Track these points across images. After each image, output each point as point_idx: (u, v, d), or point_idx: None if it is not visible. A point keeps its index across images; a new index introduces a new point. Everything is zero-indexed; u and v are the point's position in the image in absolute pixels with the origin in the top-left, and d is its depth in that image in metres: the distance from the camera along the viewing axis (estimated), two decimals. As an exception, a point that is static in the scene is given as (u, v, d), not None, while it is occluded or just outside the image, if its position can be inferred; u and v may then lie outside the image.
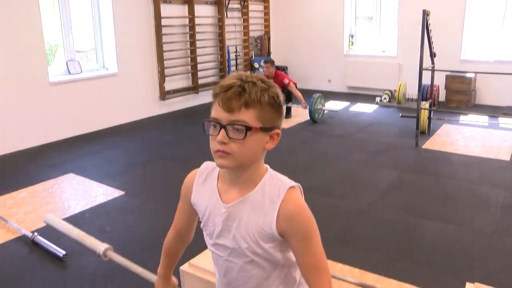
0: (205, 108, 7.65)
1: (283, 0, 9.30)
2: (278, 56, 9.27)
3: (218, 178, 1.21)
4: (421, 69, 5.30)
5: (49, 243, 3.04)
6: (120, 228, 3.41)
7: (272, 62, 6.74)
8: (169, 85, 7.17)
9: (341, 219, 3.52)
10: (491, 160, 4.84)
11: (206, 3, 7.72)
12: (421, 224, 3.41)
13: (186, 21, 7.38)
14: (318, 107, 6.59)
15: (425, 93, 7.00)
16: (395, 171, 4.54)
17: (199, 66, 7.67)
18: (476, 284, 2.35)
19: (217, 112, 1.08)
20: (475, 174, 4.46)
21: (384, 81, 8.30)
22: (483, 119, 6.52)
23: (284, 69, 9.10)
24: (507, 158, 4.87)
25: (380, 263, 2.85)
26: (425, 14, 5.18)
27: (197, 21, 7.47)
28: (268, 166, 1.18)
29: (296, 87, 6.72)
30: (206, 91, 7.71)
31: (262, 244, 1.13)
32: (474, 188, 4.10)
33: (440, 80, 7.20)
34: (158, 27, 6.84)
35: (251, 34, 8.89)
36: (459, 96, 7.46)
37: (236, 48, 8.44)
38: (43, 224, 3.39)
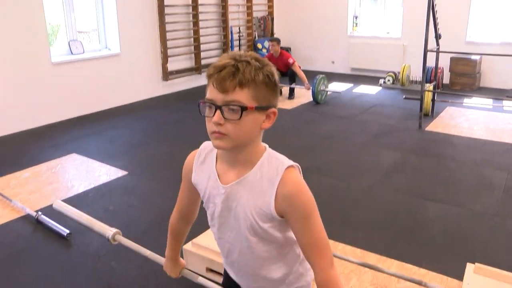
0: (208, 89, 7.63)
1: (287, -20, 9.19)
2: (281, 37, 9.11)
3: (216, 159, 1.20)
4: (426, 50, 5.25)
5: (53, 222, 3.06)
6: (123, 207, 3.43)
7: (278, 41, 6.72)
8: (172, 66, 7.14)
9: (344, 200, 3.53)
10: (494, 143, 4.82)
11: (209, -18, 7.64)
12: (423, 206, 3.42)
13: (189, 0, 7.30)
14: (321, 88, 6.55)
15: (429, 75, 6.94)
16: (398, 153, 4.54)
17: (202, 47, 7.62)
18: (477, 264, 2.37)
19: (211, 93, 1.07)
20: (478, 156, 4.45)
21: (388, 63, 8.23)
22: (487, 102, 6.48)
23: (287, 50, 9.02)
24: (511, 141, 4.85)
25: (382, 244, 2.87)
26: (431, -6, 5.10)
27: (200, 1, 7.39)
28: (266, 145, 1.17)
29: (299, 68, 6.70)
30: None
31: (261, 224, 1.14)
32: (477, 170, 4.10)
33: (444, 62, 7.14)
34: (161, 7, 6.78)
35: (255, 14, 8.81)
36: (463, 79, 7.40)
37: (239, 28, 8.37)
38: (46, 204, 3.43)
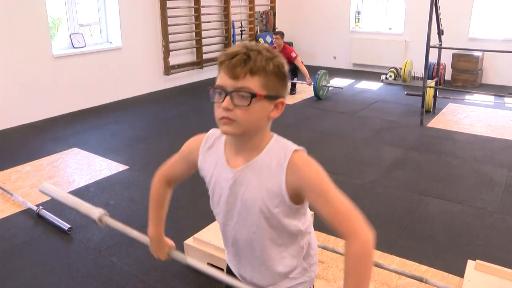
0: (209, 83, 7.50)
1: (289, -25, 9.15)
2: (283, 31, 9.15)
3: (225, 146, 1.21)
4: (428, 47, 5.23)
5: (54, 216, 3.07)
6: (124, 202, 3.44)
7: (282, 34, 6.71)
8: (173, 60, 7.13)
9: (345, 195, 3.52)
10: (495, 140, 4.82)
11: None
12: (424, 202, 3.41)
13: (191, -6, 7.29)
14: (323, 83, 6.54)
15: (431, 71, 6.93)
16: (400, 149, 4.53)
17: (204, 41, 7.60)
18: (478, 261, 2.37)
19: (222, 79, 1.08)
20: (480, 153, 4.45)
21: (390, 59, 8.22)
22: (489, 98, 6.46)
23: (290, 45, 9.00)
24: (512, 138, 4.86)
25: (383, 240, 2.87)
26: None
27: (202, -6, 7.38)
28: (274, 134, 1.18)
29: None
30: (210, 66, 7.65)
31: (270, 208, 1.13)
32: (478, 167, 4.10)
33: (446, 59, 7.12)
34: (163, 1, 6.76)
35: (257, 9, 8.78)
36: (465, 75, 7.38)
37: (241, 23, 8.34)
38: (47, 198, 3.42)
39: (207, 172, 1.24)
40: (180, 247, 2.62)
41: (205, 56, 7.65)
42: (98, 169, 4.03)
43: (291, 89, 6.86)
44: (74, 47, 5.97)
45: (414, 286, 2.42)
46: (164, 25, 6.85)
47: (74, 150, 4.49)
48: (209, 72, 7.67)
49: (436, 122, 5.45)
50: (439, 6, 5.38)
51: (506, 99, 6.32)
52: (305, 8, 9.11)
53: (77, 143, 4.65)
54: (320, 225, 2.92)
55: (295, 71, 6.71)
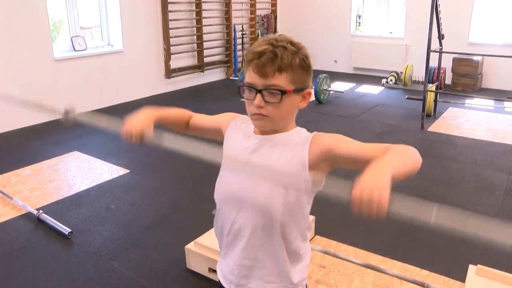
0: (211, 87, 7.62)
1: (290, -22, 9.17)
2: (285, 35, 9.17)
3: (254, 127, 1.23)
4: (429, 51, 5.24)
5: (54, 220, 3.06)
6: (125, 206, 3.43)
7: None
8: (174, 63, 7.13)
9: (345, 200, 3.52)
10: (496, 144, 4.82)
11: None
12: (425, 207, 3.41)
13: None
14: (324, 87, 6.54)
15: (432, 75, 6.94)
16: (400, 154, 4.52)
17: (205, 45, 7.61)
18: (479, 266, 2.37)
19: (251, 77, 1.12)
20: (480, 157, 4.45)
21: (390, 63, 8.22)
22: (489, 103, 6.47)
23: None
24: (512, 142, 4.86)
25: (384, 245, 2.86)
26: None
27: (203, -3, 7.39)
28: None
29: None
30: (211, 69, 7.66)
31: (288, 174, 1.13)
32: (478, 171, 4.09)
33: (447, 63, 7.13)
34: (164, 4, 6.77)
35: (258, 12, 8.79)
36: (465, 79, 7.39)
37: (242, 26, 8.35)
38: (48, 202, 3.43)
39: (232, 143, 1.26)
40: (181, 252, 2.62)
41: (206, 60, 7.66)
42: (99, 172, 4.03)
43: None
44: (75, 50, 5.97)
45: (415, 291, 2.41)
46: (166, 28, 6.86)
47: (74, 154, 4.49)
48: (210, 75, 7.68)
49: (436, 126, 5.45)
50: (440, 11, 5.39)
51: (506, 104, 6.32)
52: (306, 12, 9.13)
53: (78, 147, 4.65)
54: (322, 230, 2.93)
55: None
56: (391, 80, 7.72)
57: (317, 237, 2.92)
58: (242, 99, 1.16)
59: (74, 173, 4.05)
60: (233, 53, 8.21)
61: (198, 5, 7.34)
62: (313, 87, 6.45)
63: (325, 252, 2.65)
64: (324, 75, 6.62)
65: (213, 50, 7.87)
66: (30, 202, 3.42)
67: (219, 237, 1.32)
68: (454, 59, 7.38)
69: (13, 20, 5.15)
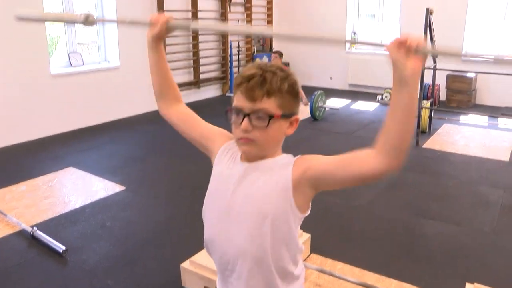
0: (207, 103, 7.64)
1: (286, -4, 9.28)
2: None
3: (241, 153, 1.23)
4: (423, 68, 5.29)
5: (49, 238, 3.04)
6: (120, 223, 3.41)
7: (281, 54, 6.80)
8: (170, 80, 7.15)
9: (342, 217, 3.53)
10: (490, 161, 4.85)
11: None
12: (421, 223, 3.41)
13: (189, 14, 7.35)
14: (319, 104, 6.58)
15: (426, 92, 6.99)
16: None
17: (201, 61, 7.66)
18: (476, 284, 2.36)
19: (239, 101, 1.12)
20: (475, 174, 4.47)
21: (385, 79, 8.27)
22: (483, 119, 6.52)
23: (286, 65, 9.09)
24: (506, 159, 4.88)
25: (380, 262, 2.86)
26: (428, 12, 5.17)
27: (200, 15, 7.45)
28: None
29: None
30: (207, 86, 7.69)
31: (273, 201, 1.13)
32: (473, 188, 4.11)
33: (441, 79, 7.19)
34: (161, 21, 6.81)
35: (253, 29, 8.87)
36: (459, 96, 7.46)
37: (238, 43, 8.42)
38: (43, 219, 3.41)
39: (218, 167, 1.25)
40: (177, 270, 2.60)
41: (202, 76, 7.70)
42: (95, 189, 4.02)
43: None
44: (72, 66, 5.99)
45: (411, 310, 2.40)
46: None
47: (70, 170, 4.47)
48: (206, 92, 7.71)
49: (431, 143, 5.48)
50: (433, 29, 5.46)
51: (500, 120, 6.38)
52: (302, 29, 9.20)
53: (74, 163, 4.64)
54: (317, 247, 2.92)
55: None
56: (386, 97, 7.77)
57: (313, 255, 2.91)
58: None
59: (70, 190, 4.03)
60: (229, 69, 8.27)
61: (195, 21, 7.40)
62: (309, 103, 6.48)
63: (321, 271, 2.64)
64: (319, 91, 6.66)
65: (209, 67, 7.92)
66: (25, 219, 3.40)
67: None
68: (448, 76, 7.46)
69: (11, 35, 5.16)
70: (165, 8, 6.79)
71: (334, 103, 7.59)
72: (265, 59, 8.69)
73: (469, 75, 7.32)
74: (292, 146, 4.91)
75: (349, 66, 8.77)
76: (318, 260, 2.85)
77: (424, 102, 5.83)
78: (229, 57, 8.19)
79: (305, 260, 2.81)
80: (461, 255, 2.98)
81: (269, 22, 9.24)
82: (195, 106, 6.74)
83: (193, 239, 3.09)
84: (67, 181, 4.24)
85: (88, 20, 1.39)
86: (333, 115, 6.89)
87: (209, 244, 1.26)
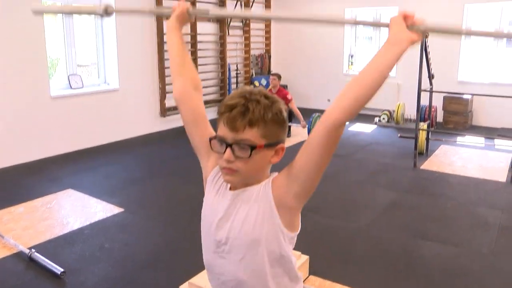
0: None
1: (284, 20, 9.41)
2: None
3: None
4: (419, 90, 5.36)
5: (46, 260, 3.02)
6: (119, 245, 3.40)
7: (279, 76, 6.87)
8: (170, 102, 7.21)
9: (340, 238, 3.52)
10: (487, 182, 4.86)
11: (209, 20, 7.77)
12: (419, 245, 3.41)
13: (188, 38, 7.45)
14: (317, 126, 6.60)
15: (423, 113, 7.04)
16: (393, 192, 4.56)
17: (200, 83, 7.71)
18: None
19: (222, 130, 1.11)
20: (473, 195, 4.48)
21: (383, 101, 8.29)
22: (480, 140, 6.57)
23: (284, 87, 9.16)
24: (503, 180, 4.90)
25: (378, 283, 2.85)
26: (424, 36, 5.25)
27: (199, 38, 7.55)
28: (273, 173, 1.21)
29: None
30: (206, 108, 7.65)
31: (263, 227, 1.13)
32: (471, 209, 4.12)
33: (437, 101, 7.26)
34: (160, 43, 6.91)
35: (252, 52, 8.97)
36: (456, 117, 7.53)
37: (237, 66, 8.51)
38: (40, 241, 3.39)
39: (208, 196, 1.25)
40: (175, 292, 2.59)
41: (201, 98, 7.74)
42: (93, 211, 4.01)
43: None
44: (71, 88, 6.04)
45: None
46: (161, 68, 6.98)
47: (68, 192, 4.47)
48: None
49: (429, 164, 5.50)
50: (429, 52, 5.54)
51: (496, 141, 6.42)
52: (299, 52, 9.33)
53: (72, 184, 4.64)
54: (316, 269, 2.92)
55: (290, 114, 6.80)
56: (383, 119, 7.81)
57: (312, 277, 2.90)
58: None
59: (68, 211, 4.03)
60: (227, 92, 8.33)
61: (194, 44, 7.50)
62: (307, 125, 6.53)
63: (320, 292, 2.63)
64: (317, 114, 6.70)
65: (208, 89, 7.98)
66: (22, 240, 3.38)
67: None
68: (444, 98, 7.53)
69: (12, 57, 5.22)
70: (164, 31, 6.88)
71: (332, 124, 7.61)
72: (263, 81, 8.78)
73: (465, 96, 7.40)
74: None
75: (346, 88, 8.82)
76: (317, 282, 2.84)
77: (421, 124, 5.88)
78: (227, 80, 8.26)
79: (303, 282, 2.80)
80: (460, 276, 2.97)
81: (267, 44, 9.35)
82: (194, 128, 6.54)
83: (192, 261, 3.08)
84: (66, 202, 4.23)
85: (107, 11, 1.41)
86: (331, 137, 6.90)
87: (207, 268, 1.28)
